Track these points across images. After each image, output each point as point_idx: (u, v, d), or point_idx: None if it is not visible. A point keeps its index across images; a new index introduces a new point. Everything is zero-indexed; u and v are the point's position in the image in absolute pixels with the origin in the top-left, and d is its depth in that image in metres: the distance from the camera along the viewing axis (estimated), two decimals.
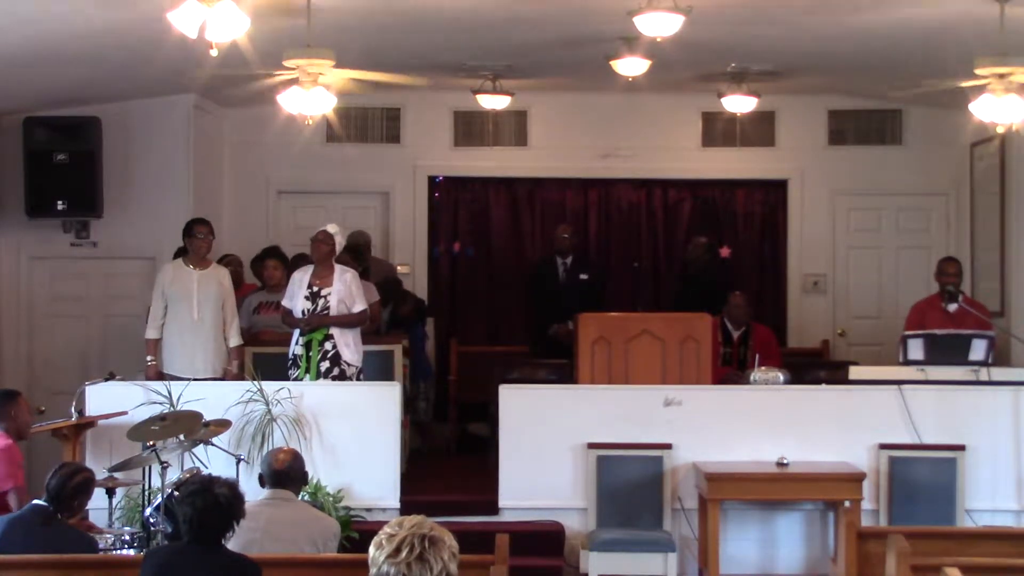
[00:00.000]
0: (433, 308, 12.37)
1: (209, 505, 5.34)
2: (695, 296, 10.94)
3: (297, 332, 9.33)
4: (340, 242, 9.51)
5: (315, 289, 9.34)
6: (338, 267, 9.48)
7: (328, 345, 9.26)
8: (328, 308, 9.27)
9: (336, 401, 9.03)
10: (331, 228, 9.44)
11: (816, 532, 9.10)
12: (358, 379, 9.35)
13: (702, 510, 8.82)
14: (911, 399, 8.99)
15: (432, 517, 3.83)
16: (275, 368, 9.40)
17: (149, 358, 9.49)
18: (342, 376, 9.26)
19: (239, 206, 12.38)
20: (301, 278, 9.42)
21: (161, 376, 9.32)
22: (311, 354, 9.24)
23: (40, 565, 5.96)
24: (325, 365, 9.23)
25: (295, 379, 9.23)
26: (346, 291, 9.33)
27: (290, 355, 9.35)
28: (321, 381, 9.18)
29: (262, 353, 9.95)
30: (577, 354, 9.52)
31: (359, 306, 9.37)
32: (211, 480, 5.57)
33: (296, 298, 9.36)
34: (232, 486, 5.51)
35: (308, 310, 9.27)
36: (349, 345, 9.31)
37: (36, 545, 6.15)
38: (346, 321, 9.33)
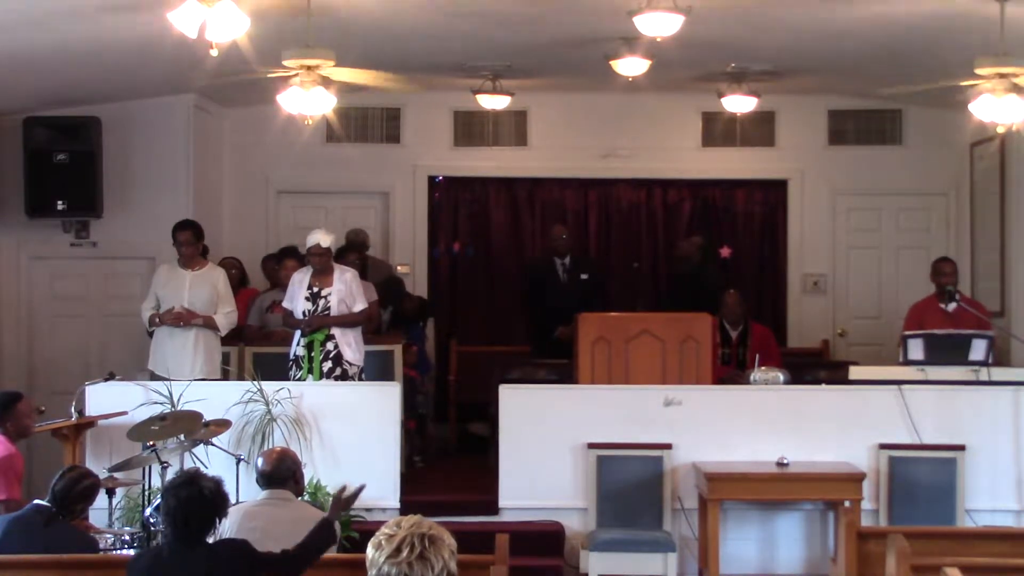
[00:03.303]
0: (433, 308, 12.36)
1: (193, 497, 5.28)
2: (686, 296, 10.93)
3: (298, 333, 9.32)
4: (332, 245, 9.39)
5: (315, 290, 9.31)
6: (337, 267, 9.46)
7: (330, 345, 9.24)
8: (329, 309, 9.26)
9: (336, 401, 9.02)
10: (323, 241, 9.25)
11: (816, 532, 9.10)
12: (359, 379, 9.35)
13: (702, 510, 8.81)
14: (911, 399, 8.99)
15: (432, 517, 3.84)
16: (275, 368, 9.39)
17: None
18: (344, 376, 9.25)
19: (239, 206, 12.37)
20: (301, 279, 9.39)
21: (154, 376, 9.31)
22: (313, 355, 9.22)
23: (40, 565, 5.96)
24: (327, 365, 9.22)
25: (296, 380, 9.21)
26: (346, 290, 9.32)
27: (291, 356, 9.34)
28: (323, 381, 9.17)
29: (262, 353, 9.95)
30: (577, 354, 9.52)
31: (359, 305, 9.35)
32: (197, 474, 5.49)
33: (296, 299, 9.35)
34: (218, 483, 5.44)
35: (308, 311, 9.26)
36: (351, 344, 9.30)
37: (37, 545, 6.15)
38: (347, 321, 9.31)
